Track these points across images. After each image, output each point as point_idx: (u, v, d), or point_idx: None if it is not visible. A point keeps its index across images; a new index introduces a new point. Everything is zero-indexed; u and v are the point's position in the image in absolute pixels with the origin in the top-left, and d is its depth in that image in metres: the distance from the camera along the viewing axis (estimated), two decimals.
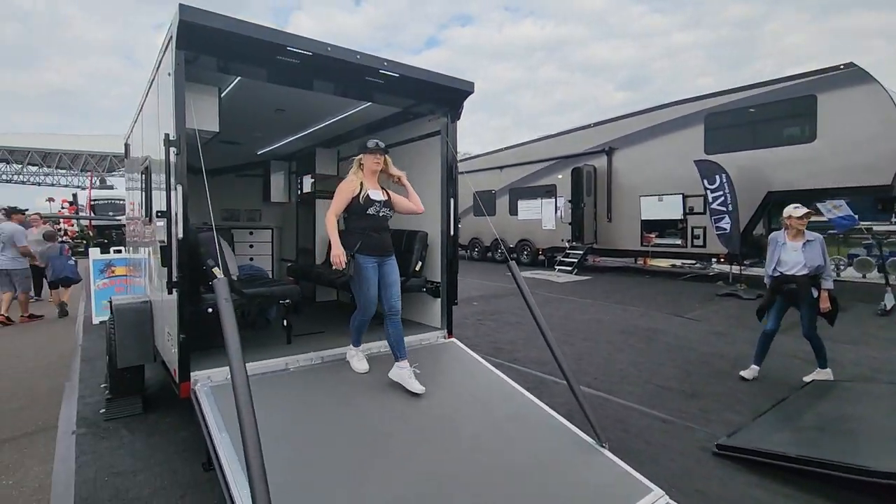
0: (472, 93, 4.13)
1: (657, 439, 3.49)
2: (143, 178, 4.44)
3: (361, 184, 3.30)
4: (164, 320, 3.46)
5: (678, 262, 14.10)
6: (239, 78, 3.78)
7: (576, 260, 12.67)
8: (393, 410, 3.05)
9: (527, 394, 3.46)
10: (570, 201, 13.19)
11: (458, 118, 4.36)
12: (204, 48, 3.00)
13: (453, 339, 4.28)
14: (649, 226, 11.69)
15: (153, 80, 3.88)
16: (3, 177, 48.16)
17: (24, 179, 48.34)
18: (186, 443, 3.46)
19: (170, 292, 2.96)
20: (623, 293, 9.93)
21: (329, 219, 3.24)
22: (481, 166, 16.24)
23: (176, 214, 2.94)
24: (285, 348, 3.75)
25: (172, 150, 2.91)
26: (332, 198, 6.20)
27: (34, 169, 48.17)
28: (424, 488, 2.41)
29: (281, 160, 7.24)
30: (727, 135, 10.30)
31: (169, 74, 3.04)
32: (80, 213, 21.69)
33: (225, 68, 3.35)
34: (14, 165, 47.60)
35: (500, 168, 15.60)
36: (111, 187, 25.06)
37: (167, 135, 2.92)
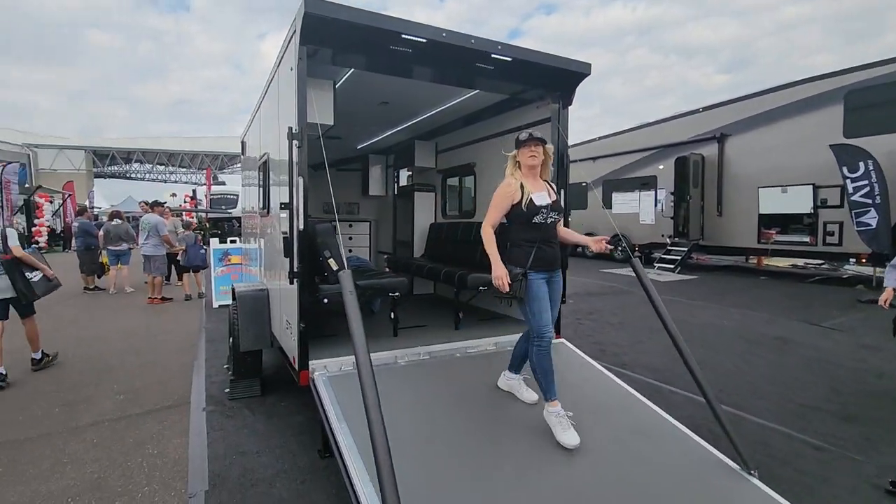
0: (588, 75, 3.83)
1: (812, 469, 2.99)
2: (261, 173, 4.69)
3: (522, 186, 2.76)
4: (283, 308, 3.60)
5: (800, 261, 12.47)
6: (350, 71, 3.83)
7: (679, 257, 11.68)
8: (507, 414, 2.90)
9: (650, 404, 3.13)
10: (672, 193, 12.18)
11: (571, 103, 4.09)
12: (325, 40, 3.02)
13: (562, 340, 4.02)
14: (769, 220, 10.39)
15: (272, 78, 4.04)
16: (137, 175, 55.58)
17: (154, 177, 55.36)
18: (301, 427, 3.59)
19: (291, 282, 3.04)
20: (738, 295, 8.94)
21: (486, 232, 2.76)
22: (572, 157, 15.52)
23: (297, 206, 3.01)
24: (392, 341, 3.75)
25: (295, 143, 2.98)
26: (430, 190, 6.34)
27: (161, 168, 54.84)
28: (548, 499, 2.23)
29: (378, 154, 7.38)
30: (874, 115, 8.79)
31: (291, 69, 3.11)
32: (199, 207, 24.23)
33: (340, 60, 3.38)
34: (146, 165, 54.66)
35: (594, 159, 14.81)
36: (223, 183, 27.65)
37: (290, 128, 2.99)
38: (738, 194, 10.91)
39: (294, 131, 2.97)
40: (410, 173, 6.95)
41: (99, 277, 10.21)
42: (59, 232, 23.50)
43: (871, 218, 8.34)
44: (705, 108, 11.83)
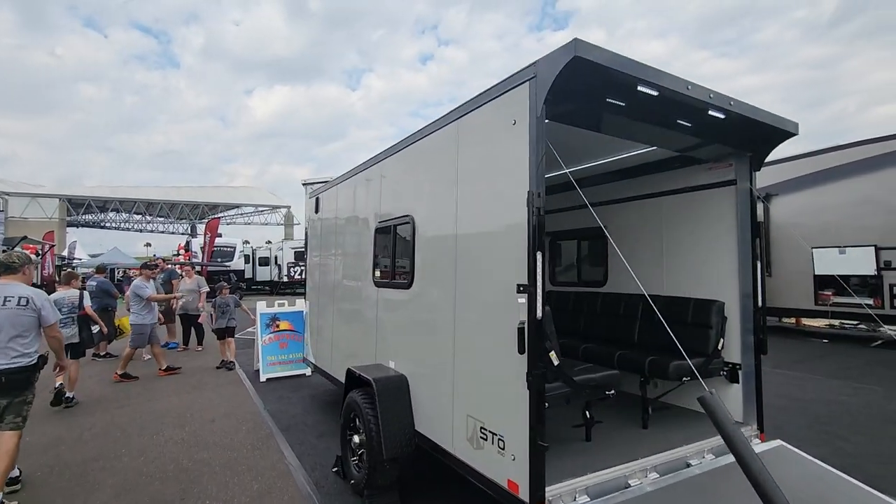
0: (795, 134, 3.46)
1: None
2: (384, 236, 4.06)
3: None
4: (467, 408, 2.86)
5: (836, 322, 12.18)
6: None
7: None
8: None
9: None
10: None
11: (760, 167, 3.72)
12: (565, 90, 2.52)
13: (781, 442, 3.35)
14: (825, 282, 10.15)
15: (430, 132, 3.49)
16: (112, 224, 53.73)
17: (129, 227, 53.62)
18: None
19: (528, 387, 2.35)
20: (821, 363, 8.41)
21: None
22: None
23: (539, 289, 2.37)
24: (589, 450, 3.01)
25: (535, 209, 2.39)
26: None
27: (138, 217, 53.23)
28: None
29: None
30: None
31: (514, 123, 2.58)
32: (193, 260, 22.99)
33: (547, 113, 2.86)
34: (123, 214, 52.96)
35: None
36: (219, 235, 26.53)
37: (530, 192, 2.41)
38: (789, 255, 10.70)
39: (535, 195, 2.39)
40: None
41: (109, 343, 9.05)
42: (39, 285, 21.77)
43: None
44: None
